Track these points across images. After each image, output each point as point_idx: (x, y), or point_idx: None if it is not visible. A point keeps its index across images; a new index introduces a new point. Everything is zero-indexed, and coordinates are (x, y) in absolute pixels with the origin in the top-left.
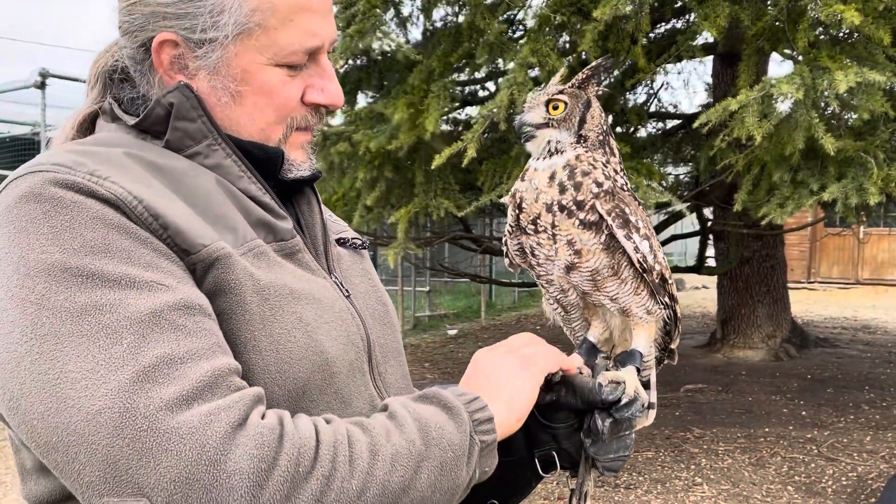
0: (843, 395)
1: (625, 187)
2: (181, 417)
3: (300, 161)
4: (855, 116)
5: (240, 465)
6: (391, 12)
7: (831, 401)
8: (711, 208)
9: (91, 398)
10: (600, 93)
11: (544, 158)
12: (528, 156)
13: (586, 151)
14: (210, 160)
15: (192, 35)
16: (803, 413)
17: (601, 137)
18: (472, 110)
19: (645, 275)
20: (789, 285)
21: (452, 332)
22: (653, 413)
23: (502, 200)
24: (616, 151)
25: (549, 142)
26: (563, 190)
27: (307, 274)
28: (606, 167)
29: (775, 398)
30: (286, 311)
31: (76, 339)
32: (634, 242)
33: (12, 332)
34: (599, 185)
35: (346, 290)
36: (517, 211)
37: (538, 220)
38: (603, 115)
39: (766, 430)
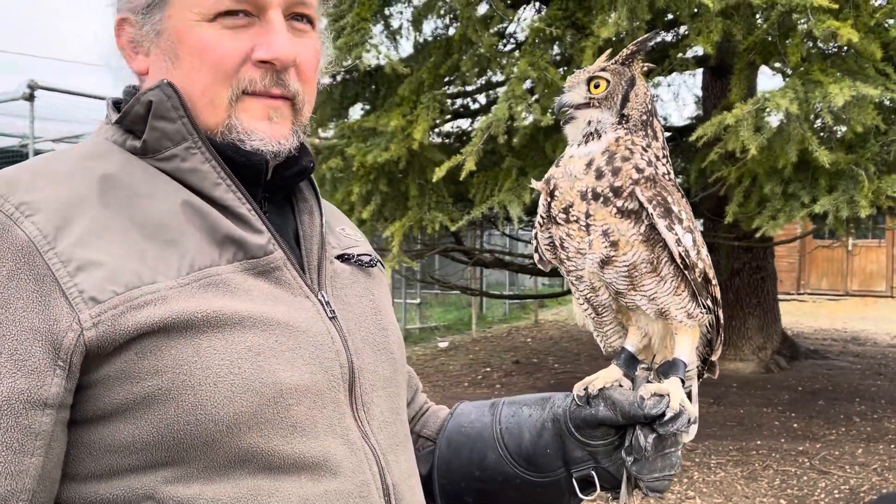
0: (835, 407)
1: (667, 175)
2: None
3: (258, 131)
4: (845, 129)
5: None
6: (380, 25)
7: (822, 413)
8: (702, 220)
9: None
10: (646, 69)
11: (581, 145)
12: (520, 168)
13: (626, 134)
14: (187, 164)
15: (136, 4)
16: (795, 425)
17: (644, 118)
18: (463, 122)
19: (686, 272)
20: (779, 297)
21: (443, 345)
22: (694, 428)
23: (534, 186)
24: (659, 135)
25: (588, 122)
26: (599, 176)
27: (283, 293)
28: (647, 152)
29: (766, 410)
30: (232, 341)
31: None
32: (676, 234)
33: None
34: (640, 170)
35: (332, 311)
36: (549, 199)
37: (570, 209)
38: (649, 93)
39: (758, 442)
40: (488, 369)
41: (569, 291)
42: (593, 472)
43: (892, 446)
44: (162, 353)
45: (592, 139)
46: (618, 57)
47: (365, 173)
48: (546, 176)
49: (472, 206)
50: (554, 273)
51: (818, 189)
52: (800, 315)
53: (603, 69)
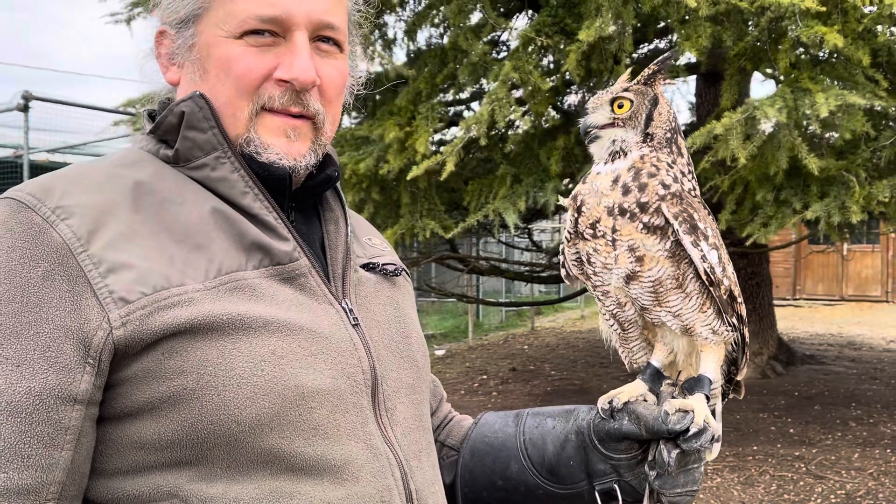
0: (831, 412)
1: (693, 192)
2: None
3: (274, 147)
4: (836, 136)
5: None
6: (376, 34)
7: (819, 418)
8: None
9: None
10: (668, 89)
11: (607, 162)
12: (514, 175)
13: (651, 151)
14: (217, 172)
15: (172, 18)
16: (791, 431)
17: (668, 135)
18: (457, 131)
19: (712, 289)
20: (775, 302)
21: (440, 353)
22: (718, 446)
23: (562, 203)
24: (684, 151)
25: (613, 141)
26: (626, 192)
27: (307, 300)
28: (672, 168)
29: (763, 416)
30: (256, 344)
31: None
32: (702, 251)
33: None
34: (666, 187)
35: (354, 318)
36: (576, 214)
37: (597, 225)
38: (672, 111)
39: (755, 448)
40: (485, 377)
41: (565, 298)
42: (616, 486)
43: (888, 451)
44: (187, 353)
45: (618, 157)
46: (640, 77)
47: (357, 181)
48: (573, 192)
49: (468, 214)
50: (550, 280)
51: (810, 195)
52: (795, 320)
53: (626, 89)
